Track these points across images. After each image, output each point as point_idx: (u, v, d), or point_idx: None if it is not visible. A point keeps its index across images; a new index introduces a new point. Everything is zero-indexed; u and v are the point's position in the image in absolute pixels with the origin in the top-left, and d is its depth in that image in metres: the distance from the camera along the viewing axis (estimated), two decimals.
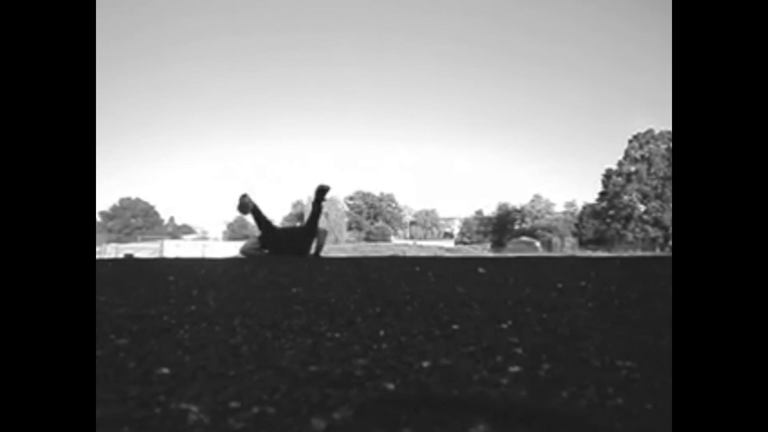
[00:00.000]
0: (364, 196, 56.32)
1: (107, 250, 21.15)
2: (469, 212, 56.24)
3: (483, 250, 40.23)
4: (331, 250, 32.15)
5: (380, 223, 53.37)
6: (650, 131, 38.03)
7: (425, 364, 0.91)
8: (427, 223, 56.35)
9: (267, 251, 4.30)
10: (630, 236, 36.71)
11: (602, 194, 40.78)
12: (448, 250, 35.46)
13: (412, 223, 57.43)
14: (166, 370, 0.88)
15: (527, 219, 49.07)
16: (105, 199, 51.31)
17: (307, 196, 52.47)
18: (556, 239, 41.32)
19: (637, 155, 38.06)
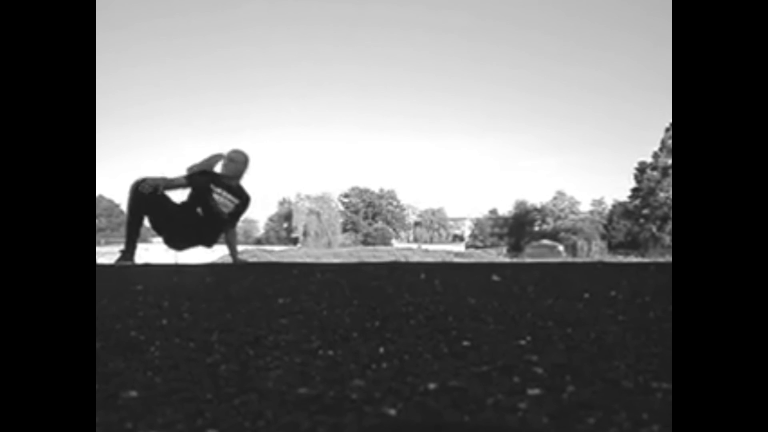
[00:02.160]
0: (362, 192, 56.31)
1: None
2: (481, 211, 56.26)
3: (498, 254, 40.25)
4: (324, 255, 32.17)
5: (380, 224, 53.36)
6: None
7: (431, 386, 0.91)
8: (433, 224, 56.37)
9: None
10: (667, 239, 36.73)
11: (635, 191, 40.78)
12: (457, 254, 35.49)
13: (417, 224, 57.46)
14: (134, 393, 0.88)
15: (548, 219, 49.08)
16: None
17: (296, 193, 52.51)
18: (581, 242, 41.34)
19: None
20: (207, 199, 3.86)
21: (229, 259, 4.18)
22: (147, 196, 3.75)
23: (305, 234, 48.08)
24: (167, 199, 3.87)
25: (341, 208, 54.07)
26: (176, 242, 4.01)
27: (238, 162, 4.03)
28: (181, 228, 3.89)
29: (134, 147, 69.48)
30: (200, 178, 3.91)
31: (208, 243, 4.07)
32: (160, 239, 4.07)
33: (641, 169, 40.11)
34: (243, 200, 4.05)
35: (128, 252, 3.84)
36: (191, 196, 3.91)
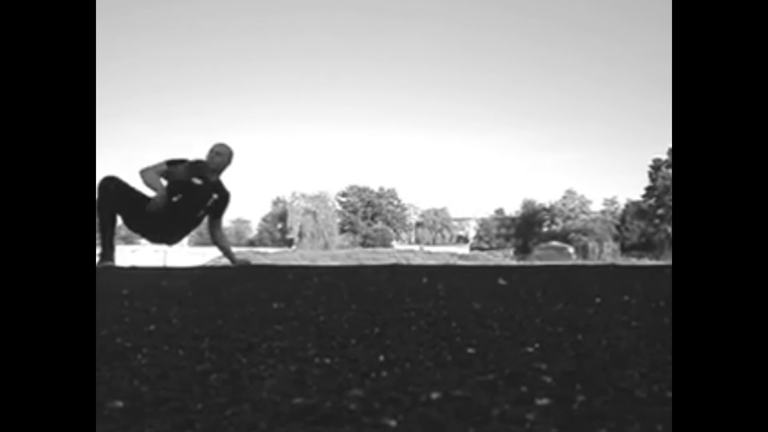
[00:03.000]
0: (360, 191, 56.34)
1: None
2: (487, 211, 56.32)
3: (504, 257, 40.33)
4: (320, 257, 32.24)
5: (379, 225, 53.40)
6: None
7: (434, 395, 0.91)
8: (436, 224, 56.44)
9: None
10: None
11: (649, 189, 40.79)
12: (461, 257, 35.55)
13: (419, 224, 57.53)
14: (119, 404, 0.88)
15: (558, 220, 49.16)
16: None
17: (291, 191, 52.54)
18: (593, 244, 41.41)
19: None
20: (186, 190, 3.90)
21: (220, 262, 4.23)
22: (115, 193, 3.80)
23: (301, 235, 48.13)
24: (138, 193, 3.91)
25: (339, 207, 54.11)
26: (150, 235, 4.07)
27: (223, 155, 4.04)
28: (154, 221, 3.93)
29: (130, 142, 69.56)
30: (180, 167, 3.95)
31: (174, 239, 4.14)
32: (145, 240, 4.13)
33: (656, 166, 40.12)
34: (222, 196, 4.07)
35: (107, 253, 3.87)
36: (168, 189, 3.93)
